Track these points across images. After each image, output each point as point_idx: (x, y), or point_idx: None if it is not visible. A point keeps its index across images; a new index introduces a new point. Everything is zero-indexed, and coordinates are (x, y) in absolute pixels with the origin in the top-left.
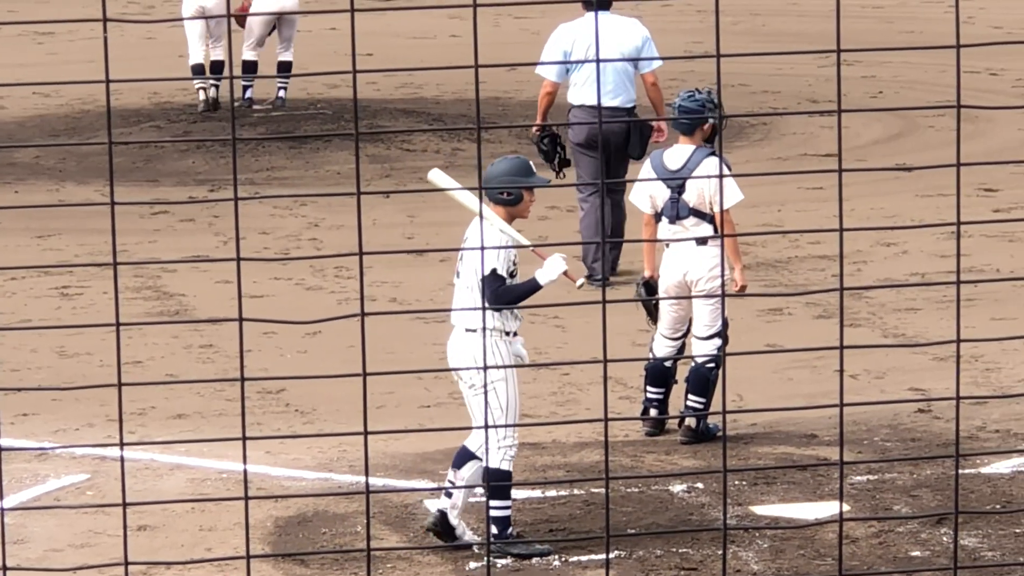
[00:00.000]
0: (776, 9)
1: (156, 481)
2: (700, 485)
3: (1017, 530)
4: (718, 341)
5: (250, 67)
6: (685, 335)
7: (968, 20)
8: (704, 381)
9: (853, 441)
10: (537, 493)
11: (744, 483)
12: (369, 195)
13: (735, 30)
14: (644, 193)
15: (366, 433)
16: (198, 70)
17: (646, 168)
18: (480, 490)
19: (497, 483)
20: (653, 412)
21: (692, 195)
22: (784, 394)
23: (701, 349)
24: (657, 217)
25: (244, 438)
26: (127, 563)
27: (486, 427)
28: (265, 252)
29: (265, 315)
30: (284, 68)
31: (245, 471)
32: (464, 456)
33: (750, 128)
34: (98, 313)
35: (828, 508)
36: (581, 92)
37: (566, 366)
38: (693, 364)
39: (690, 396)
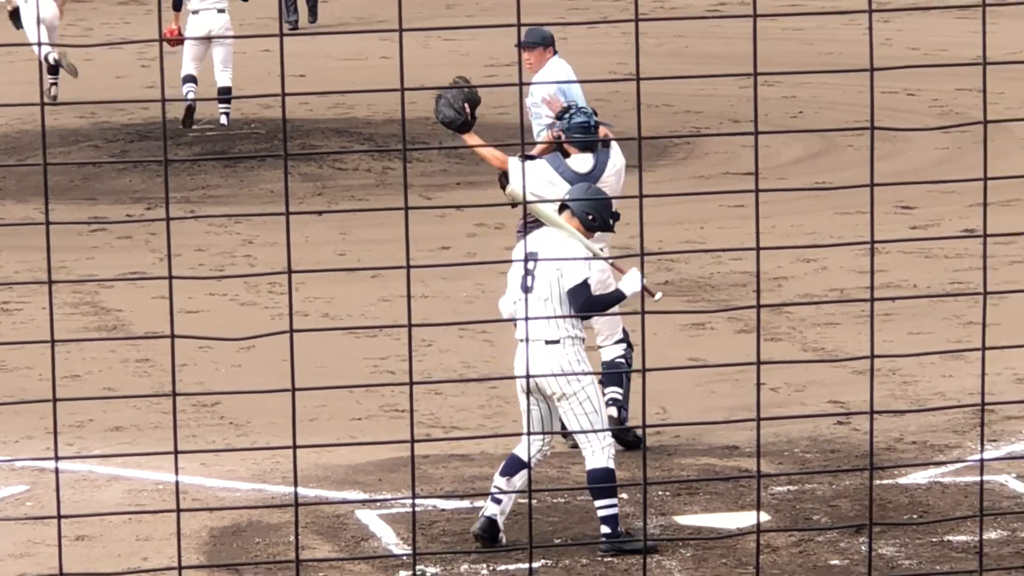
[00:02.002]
0: (699, 31)
1: (94, 492)
2: (624, 496)
3: (933, 539)
4: (623, 344)
5: (190, 78)
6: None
7: (886, 42)
8: (618, 373)
9: (774, 453)
10: (466, 504)
11: (668, 494)
12: (300, 215)
13: (659, 51)
14: (542, 191)
15: (295, 447)
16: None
17: (546, 168)
18: (519, 494)
19: (605, 483)
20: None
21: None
22: (706, 407)
23: (610, 351)
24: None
25: (176, 452)
26: (62, 575)
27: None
28: (200, 269)
29: (201, 330)
30: (224, 93)
31: (177, 484)
32: (516, 464)
33: (673, 147)
34: (38, 328)
35: (749, 518)
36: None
37: (494, 380)
38: (604, 362)
39: (608, 388)
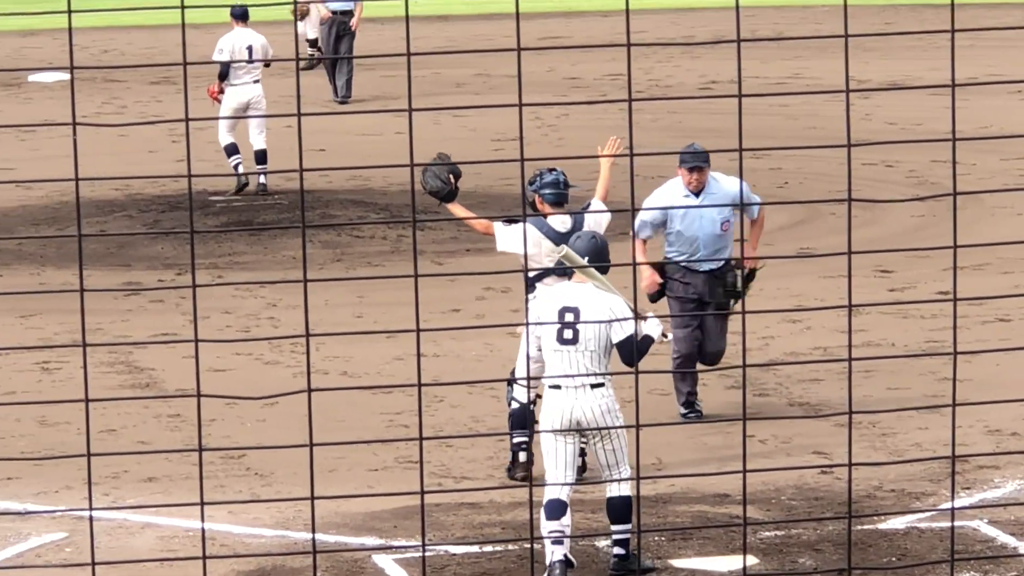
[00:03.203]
0: (692, 107)
1: (128, 539)
2: None
3: None
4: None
5: (234, 149)
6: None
7: (866, 117)
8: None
9: (762, 500)
10: (476, 548)
11: (663, 539)
12: (318, 281)
13: (655, 126)
14: (517, 243)
15: (312, 498)
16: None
17: (531, 230)
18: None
19: (627, 509)
20: (523, 456)
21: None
22: (699, 458)
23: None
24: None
25: (202, 503)
26: None
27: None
28: (227, 330)
29: (228, 387)
30: (261, 157)
31: (203, 531)
32: (562, 506)
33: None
34: (76, 386)
35: (739, 561)
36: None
37: (503, 434)
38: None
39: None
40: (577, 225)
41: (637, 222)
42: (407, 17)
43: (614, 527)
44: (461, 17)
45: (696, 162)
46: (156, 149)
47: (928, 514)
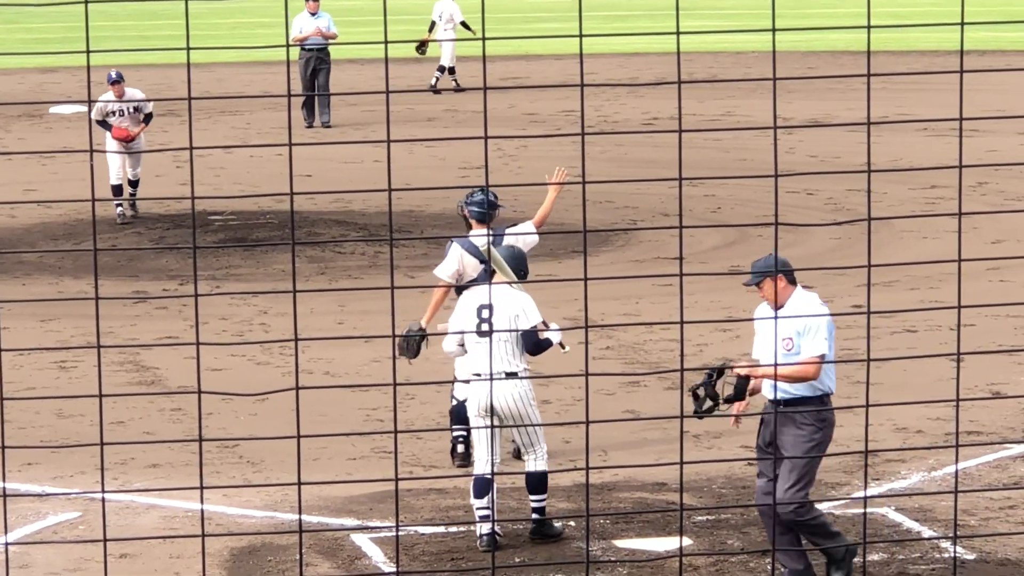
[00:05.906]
0: (636, 141)
1: (135, 518)
2: (573, 523)
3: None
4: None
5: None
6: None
7: (790, 151)
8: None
9: (696, 488)
10: (442, 529)
11: (608, 522)
12: (305, 292)
13: (603, 157)
14: (453, 271)
15: (299, 483)
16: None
17: (456, 248)
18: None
19: (542, 482)
20: (460, 448)
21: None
22: (640, 451)
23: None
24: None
25: (202, 487)
26: None
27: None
28: (224, 334)
29: (225, 385)
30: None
31: (202, 512)
32: (485, 485)
33: (615, 236)
34: (90, 383)
35: (675, 542)
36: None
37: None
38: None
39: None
40: (496, 242)
41: None
42: (386, 58)
43: (532, 496)
44: (433, 59)
45: (752, 279)
46: (162, 173)
47: (843, 502)
